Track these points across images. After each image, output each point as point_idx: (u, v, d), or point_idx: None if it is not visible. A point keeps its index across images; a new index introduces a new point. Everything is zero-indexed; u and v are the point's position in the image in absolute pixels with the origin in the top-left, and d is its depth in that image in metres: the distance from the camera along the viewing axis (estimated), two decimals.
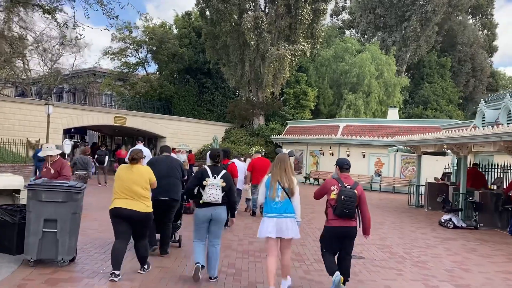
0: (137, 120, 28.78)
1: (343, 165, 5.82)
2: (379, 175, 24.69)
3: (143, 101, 36.25)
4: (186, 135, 31.01)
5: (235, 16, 30.10)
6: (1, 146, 20.35)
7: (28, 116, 23.83)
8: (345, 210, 5.47)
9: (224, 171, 6.08)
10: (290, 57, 29.06)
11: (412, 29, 42.07)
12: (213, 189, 5.83)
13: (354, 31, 50.53)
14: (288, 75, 31.22)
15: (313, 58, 35.73)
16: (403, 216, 14.89)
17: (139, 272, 6.16)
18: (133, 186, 5.85)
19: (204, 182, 5.85)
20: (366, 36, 46.78)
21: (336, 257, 5.81)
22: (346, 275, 5.66)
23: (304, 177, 26.71)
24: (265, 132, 31.84)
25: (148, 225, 6.08)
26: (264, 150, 29.44)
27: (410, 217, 14.83)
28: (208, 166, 6.14)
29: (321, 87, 34.55)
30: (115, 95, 39.30)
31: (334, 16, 55.15)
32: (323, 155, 26.81)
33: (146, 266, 6.21)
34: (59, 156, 7.79)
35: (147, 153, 12.57)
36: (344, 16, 55.07)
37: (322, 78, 34.82)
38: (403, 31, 43.59)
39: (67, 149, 23.59)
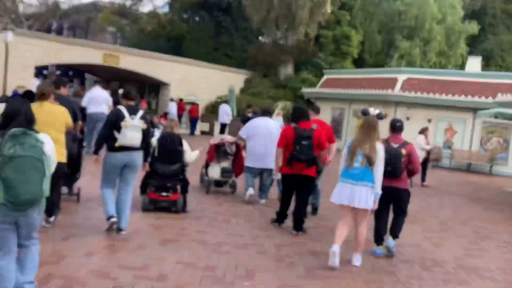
0: (134, 61, 22.60)
1: (395, 126, 5.79)
2: (449, 147, 18.43)
3: (147, 41, 29.96)
4: (196, 83, 24.81)
5: None
6: None
7: None
8: (388, 168, 5.30)
9: (142, 112, 5.54)
10: None
11: None
12: (132, 131, 5.29)
13: None
14: (330, 12, 24.51)
15: None
16: None
17: (43, 226, 4.83)
18: (46, 129, 4.12)
19: (123, 124, 5.28)
20: None
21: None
22: (396, 232, 5.79)
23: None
24: (295, 83, 25.50)
25: (63, 176, 5.41)
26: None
27: None
28: (123, 106, 5.51)
29: (367, 31, 27.73)
30: (115, 30, 33.00)
31: None
32: None
33: (52, 219, 5.40)
34: None
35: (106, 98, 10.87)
36: None
37: (370, 20, 27.91)
38: None
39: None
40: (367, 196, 5.04)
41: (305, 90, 24.03)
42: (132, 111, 5.47)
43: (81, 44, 21.82)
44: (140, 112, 5.53)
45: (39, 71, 31.77)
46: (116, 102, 13.94)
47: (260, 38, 32.62)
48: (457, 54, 28.69)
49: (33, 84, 17.79)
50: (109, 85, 29.53)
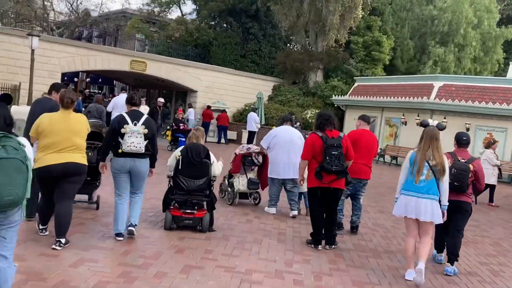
0: (160, 67, 22.34)
1: (461, 140, 5.71)
2: None
3: (175, 47, 29.71)
4: (224, 90, 24.34)
5: None
6: None
7: (14, 53, 17.85)
8: (455, 183, 5.28)
9: (145, 117, 5.49)
10: None
11: None
12: (133, 137, 5.24)
13: None
14: (361, 17, 23.70)
15: None
16: None
17: (54, 248, 4.80)
18: (74, 137, 4.93)
19: (123, 130, 5.27)
20: None
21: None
22: (454, 254, 5.49)
23: (378, 154, 19.66)
24: (324, 91, 24.75)
25: (83, 181, 5.24)
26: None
27: None
28: (126, 112, 5.52)
29: (398, 37, 26.77)
30: (143, 38, 32.84)
31: None
32: (405, 124, 19.64)
33: (64, 241, 4.91)
34: None
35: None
36: None
37: (401, 26, 26.98)
38: None
39: None
40: (433, 209, 4.91)
41: (335, 97, 23.28)
42: (135, 117, 5.41)
43: (108, 50, 21.64)
44: (143, 118, 5.45)
45: (70, 78, 32.10)
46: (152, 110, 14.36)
47: (288, 45, 32.08)
48: (493, 60, 27.46)
49: None
50: (136, 92, 29.51)
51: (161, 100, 16.86)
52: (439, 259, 5.92)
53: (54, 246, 4.86)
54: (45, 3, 34.82)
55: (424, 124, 5.18)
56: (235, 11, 30.08)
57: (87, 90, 33.94)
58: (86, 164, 5.13)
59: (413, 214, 4.95)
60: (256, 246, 5.83)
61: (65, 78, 31.24)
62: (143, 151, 5.34)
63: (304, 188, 6.97)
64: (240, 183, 8.19)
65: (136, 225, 5.56)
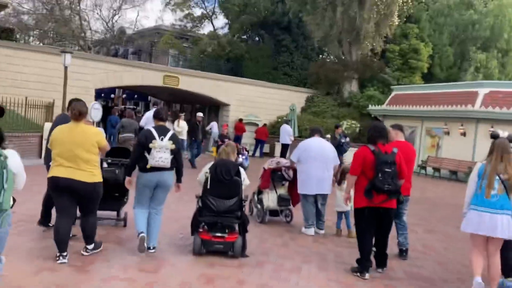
0: (193, 82, 22.12)
1: None
2: None
3: (208, 62, 29.65)
4: (257, 103, 23.88)
5: None
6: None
7: (49, 71, 17.96)
8: None
9: (172, 132, 5.51)
10: None
11: None
12: (161, 153, 5.29)
13: None
14: (397, 24, 22.86)
15: (427, 5, 26.85)
16: None
17: (82, 254, 5.09)
18: (76, 149, 4.84)
19: (151, 145, 5.29)
20: None
21: None
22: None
23: (419, 166, 18.68)
24: (360, 101, 23.93)
25: (97, 197, 5.11)
26: (359, 125, 21.86)
27: None
28: (153, 127, 5.54)
29: (437, 44, 25.67)
30: (177, 53, 32.95)
31: None
32: (448, 134, 18.60)
33: (90, 247, 5.19)
34: None
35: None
36: None
37: (439, 32, 25.85)
38: None
39: (96, 116, 17.50)
40: (509, 225, 4.61)
41: (372, 107, 22.42)
42: (162, 132, 5.40)
43: (141, 66, 21.59)
44: (170, 133, 5.45)
45: (107, 95, 32.45)
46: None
47: (321, 56, 31.51)
48: None
49: (94, 107, 17.62)
50: (170, 107, 29.50)
51: (200, 115, 16.58)
52: (508, 285, 5.15)
53: (82, 252, 5.18)
54: (82, 22, 35.47)
55: (494, 136, 4.90)
56: (267, 24, 29.83)
57: (122, 106, 34.21)
58: (96, 180, 5.01)
59: (486, 231, 4.63)
60: (295, 275, 5.23)
61: (102, 94, 31.64)
62: (169, 166, 5.38)
63: (347, 207, 6.43)
64: (270, 199, 7.75)
65: (155, 247, 5.50)
